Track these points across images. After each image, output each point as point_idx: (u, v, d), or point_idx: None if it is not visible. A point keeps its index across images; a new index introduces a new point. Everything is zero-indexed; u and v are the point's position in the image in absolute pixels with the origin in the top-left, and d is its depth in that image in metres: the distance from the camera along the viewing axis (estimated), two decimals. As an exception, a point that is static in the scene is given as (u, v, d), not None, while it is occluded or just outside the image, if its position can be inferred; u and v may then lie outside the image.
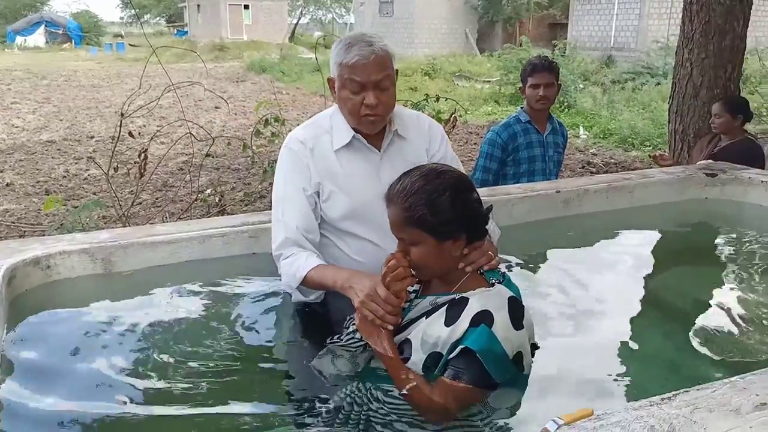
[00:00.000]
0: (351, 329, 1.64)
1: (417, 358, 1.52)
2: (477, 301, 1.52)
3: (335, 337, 1.68)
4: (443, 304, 1.56)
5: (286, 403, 1.72)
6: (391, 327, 1.55)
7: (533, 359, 1.60)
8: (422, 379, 1.50)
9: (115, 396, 1.69)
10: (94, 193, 6.42)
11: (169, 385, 1.74)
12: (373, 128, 1.92)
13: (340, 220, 1.95)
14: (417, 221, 1.51)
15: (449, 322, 1.51)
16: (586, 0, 22.60)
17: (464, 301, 1.53)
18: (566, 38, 21.90)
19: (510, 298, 1.55)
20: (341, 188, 1.94)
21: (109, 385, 1.74)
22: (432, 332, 1.52)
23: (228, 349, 1.94)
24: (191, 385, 1.75)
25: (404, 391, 1.50)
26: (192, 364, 1.84)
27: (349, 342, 1.64)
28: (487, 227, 1.63)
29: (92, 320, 2.06)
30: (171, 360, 1.86)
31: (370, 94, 1.83)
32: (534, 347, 1.62)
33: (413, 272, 1.55)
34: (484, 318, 1.48)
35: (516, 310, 1.54)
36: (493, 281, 1.60)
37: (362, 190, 1.93)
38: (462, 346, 1.47)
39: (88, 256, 2.26)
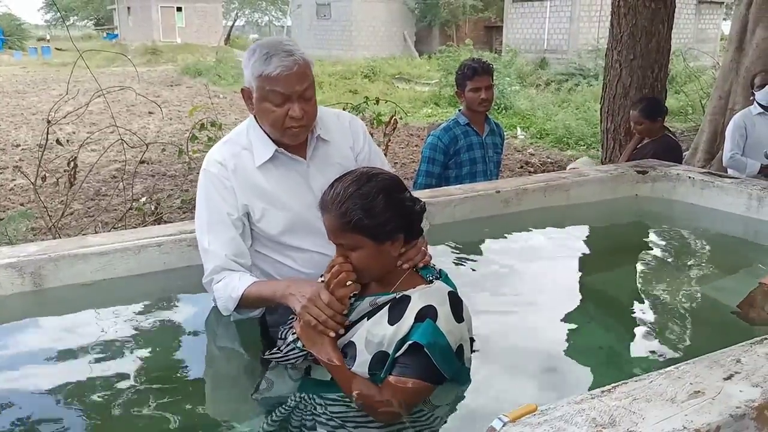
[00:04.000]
0: (290, 338, 1.61)
1: (362, 359, 1.51)
2: (419, 297, 1.53)
3: (274, 349, 1.64)
4: (384, 304, 1.55)
5: (227, 418, 1.68)
6: (333, 334, 1.53)
7: (472, 354, 1.62)
8: (368, 383, 1.49)
9: (45, 425, 1.60)
10: (22, 204, 6.13)
11: (103, 407, 1.67)
12: (298, 139, 1.84)
13: (280, 236, 1.89)
14: (354, 226, 1.50)
15: (393, 320, 1.52)
16: (520, 4, 23.18)
17: (406, 299, 1.54)
18: (501, 41, 22.39)
19: (449, 293, 1.57)
20: (273, 204, 1.86)
21: (43, 413, 1.65)
22: (376, 332, 1.52)
23: (165, 364, 1.87)
24: (126, 405, 1.68)
25: (353, 395, 1.49)
26: (127, 382, 1.77)
27: (289, 352, 1.60)
28: (421, 225, 1.65)
29: (20, 339, 1.95)
30: (105, 381, 1.78)
31: (295, 105, 1.75)
32: (471, 341, 1.64)
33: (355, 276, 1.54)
34: (428, 312, 1.49)
35: (455, 304, 1.56)
36: (431, 278, 1.61)
37: (295, 202, 1.87)
38: (410, 342, 1.47)
39: (16, 271, 2.14)
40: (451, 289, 1.60)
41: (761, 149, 4.31)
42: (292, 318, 1.67)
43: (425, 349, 1.46)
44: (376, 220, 1.51)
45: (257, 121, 1.87)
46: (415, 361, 1.47)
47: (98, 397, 1.70)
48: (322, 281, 1.57)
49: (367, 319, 1.56)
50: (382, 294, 1.58)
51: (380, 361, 1.50)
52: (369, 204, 1.51)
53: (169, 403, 1.69)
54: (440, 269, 1.68)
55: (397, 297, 1.55)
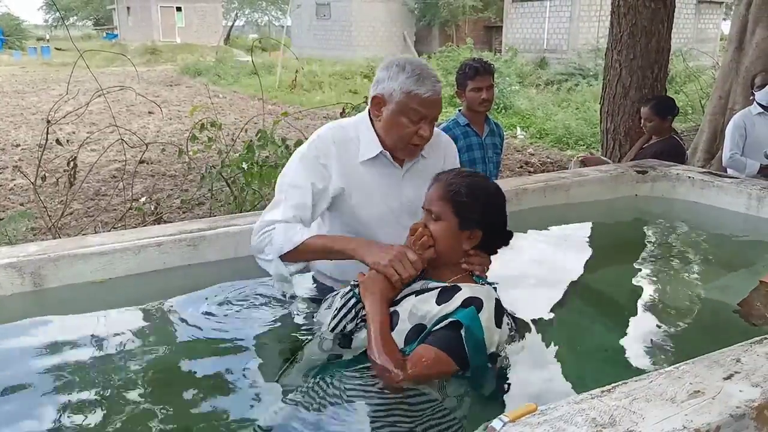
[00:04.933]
0: (338, 303, 1.73)
1: (401, 328, 1.62)
2: (469, 289, 1.65)
3: (329, 313, 1.75)
4: (435, 288, 1.68)
5: (227, 416, 1.68)
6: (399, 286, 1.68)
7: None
8: (396, 347, 1.58)
9: (45, 425, 1.60)
10: (21, 204, 6.12)
11: (103, 407, 1.67)
12: (413, 156, 1.99)
13: (357, 226, 2.00)
14: (451, 198, 1.68)
15: (441, 301, 1.63)
16: (520, 3, 23.18)
17: (457, 288, 1.65)
18: (501, 41, 22.39)
19: (496, 299, 1.68)
20: (367, 197, 1.98)
21: (43, 413, 1.65)
22: (422, 307, 1.63)
23: (165, 364, 1.87)
24: (126, 406, 1.68)
25: (374, 354, 1.55)
26: (128, 382, 1.77)
27: (347, 298, 1.73)
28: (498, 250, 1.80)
29: (19, 338, 1.95)
30: (106, 381, 1.78)
31: (425, 126, 1.90)
32: (497, 356, 1.68)
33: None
34: (474, 302, 1.60)
35: (499, 310, 1.65)
36: (483, 283, 1.73)
37: (382, 204, 1.99)
38: (451, 319, 1.57)
39: (16, 271, 2.14)
40: (498, 296, 1.70)
41: (761, 149, 4.31)
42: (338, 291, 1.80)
43: (462, 330, 1.55)
44: (470, 207, 1.67)
45: (371, 122, 1.98)
46: (448, 335, 1.56)
47: (98, 396, 1.70)
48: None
49: (415, 296, 1.67)
50: (435, 281, 1.70)
51: (417, 332, 1.60)
52: (473, 192, 1.69)
53: (169, 404, 1.69)
54: (491, 283, 1.78)
55: (449, 285, 1.68)
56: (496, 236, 1.75)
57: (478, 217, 1.68)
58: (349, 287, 1.75)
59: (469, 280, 1.72)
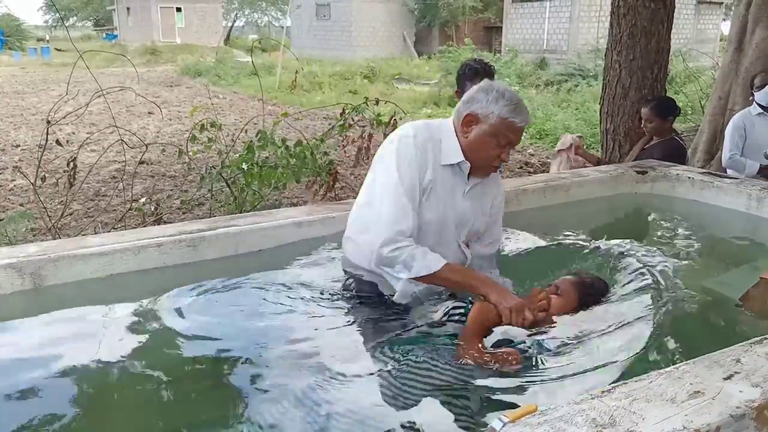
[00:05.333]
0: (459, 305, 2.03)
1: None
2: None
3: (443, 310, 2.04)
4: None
5: (227, 418, 1.68)
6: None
7: None
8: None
9: (45, 426, 1.60)
10: (21, 205, 6.12)
11: (104, 407, 1.67)
12: (487, 175, 2.16)
13: (422, 223, 2.08)
14: (584, 292, 2.16)
15: None
16: (519, 4, 23.18)
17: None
18: (501, 41, 22.39)
19: None
20: (434, 199, 2.07)
21: (44, 414, 1.65)
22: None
23: (166, 365, 1.87)
24: (127, 406, 1.68)
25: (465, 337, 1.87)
26: (128, 382, 1.77)
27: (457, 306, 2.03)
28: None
29: (20, 339, 1.95)
30: (106, 381, 1.78)
31: (507, 152, 2.07)
32: None
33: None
34: None
35: None
36: None
37: (443, 209, 2.10)
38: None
39: (16, 271, 2.14)
40: None
41: (760, 150, 4.30)
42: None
43: None
44: (594, 297, 2.19)
45: (456, 134, 2.09)
46: None
47: (99, 396, 1.70)
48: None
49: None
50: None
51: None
52: (595, 290, 2.22)
53: (169, 404, 1.69)
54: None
55: None
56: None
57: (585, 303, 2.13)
58: (463, 303, 2.03)
59: None
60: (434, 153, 2.07)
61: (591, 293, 2.16)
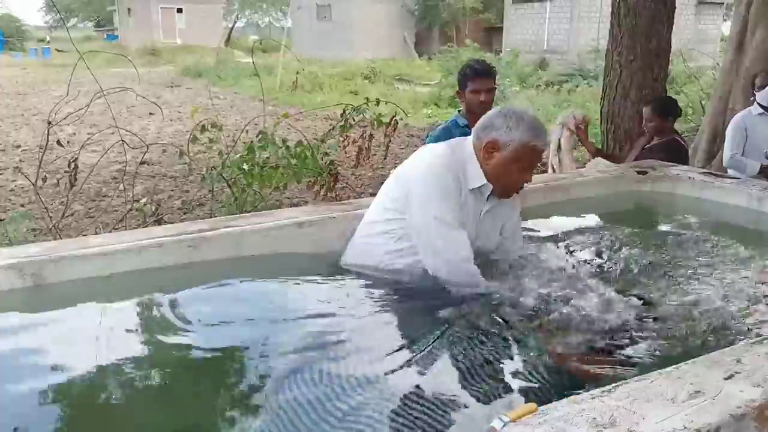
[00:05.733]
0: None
1: None
2: None
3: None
4: None
5: (229, 420, 1.68)
6: None
7: None
8: None
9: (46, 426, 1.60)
10: (22, 205, 6.13)
11: (104, 407, 1.67)
12: (509, 197, 2.20)
13: None
14: None
15: None
16: (520, 5, 23.19)
17: None
18: (502, 42, 22.38)
19: None
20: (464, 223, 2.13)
21: (43, 414, 1.65)
22: None
23: (166, 365, 1.87)
24: (127, 407, 1.68)
25: None
26: (129, 383, 1.77)
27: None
28: None
29: (20, 340, 1.95)
30: (106, 381, 1.78)
31: (529, 176, 2.12)
32: None
33: None
34: None
35: None
36: None
37: (471, 231, 2.15)
38: None
39: (17, 272, 2.14)
40: None
41: (761, 150, 4.31)
42: None
43: None
44: None
45: (477, 157, 2.12)
46: None
47: (100, 397, 1.70)
48: None
49: None
50: None
51: None
52: None
53: (171, 405, 1.69)
54: None
55: None
56: None
57: None
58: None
59: None
60: (463, 178, 2.12)
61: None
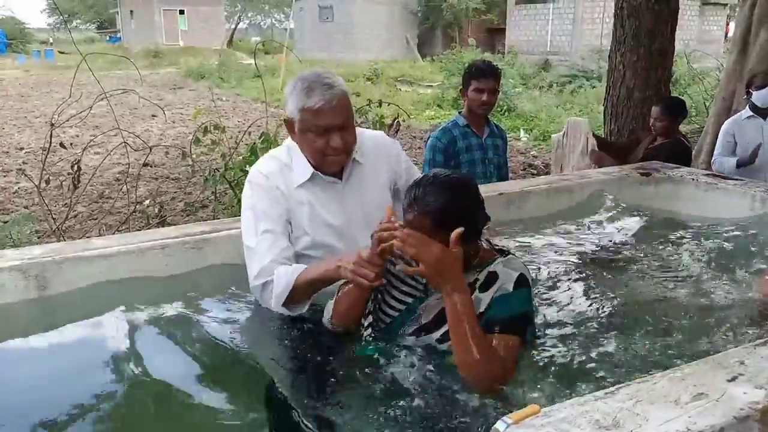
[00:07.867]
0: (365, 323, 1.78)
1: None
2: (501, 266, 1.70)
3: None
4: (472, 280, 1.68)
5: (230, 421, 1.68)
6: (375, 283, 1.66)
7: None
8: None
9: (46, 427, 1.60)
10: (26, 207, 6.14)
11: (104, 408, 1.67)
12: (336, 167, 1.95)
13: (305, 249, 1.97)
14: (431, 221, 1.60)
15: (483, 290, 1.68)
16: (523, 6, 23.19)
17: (493, 275, 1.69)
18: (504, 43, 22.38)
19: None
20: (305, 223, 1.95)
21: (44, 415, 1.65)
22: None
23: (167, 365, 1.88)
24: (128, 407, 1.68)
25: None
26: (129, 383, 1.78)
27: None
28: None
29: (24, 341, 1.96)
30: (107, 381, 1.78)
31: (335, 136, 1.84)
32: None
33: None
34: (522, 282, 1.68)
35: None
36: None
37: (327, 221, 1.97)
38: (519, 312, 1.66)
39: (20, 273, 2.15)
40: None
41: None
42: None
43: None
44: (449, 220, 1.60)
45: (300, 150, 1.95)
46: (517, 322, 1.66)
47: (101, 397, 1.70)
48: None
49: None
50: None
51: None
52: (447, 205, 1.62)
53: (173, 406, 1.70)
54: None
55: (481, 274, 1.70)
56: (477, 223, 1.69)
57: (456, 220, 1.58)
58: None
59: (488, 254, 1.74)
60: (287, 181, 1.95)
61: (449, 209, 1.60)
